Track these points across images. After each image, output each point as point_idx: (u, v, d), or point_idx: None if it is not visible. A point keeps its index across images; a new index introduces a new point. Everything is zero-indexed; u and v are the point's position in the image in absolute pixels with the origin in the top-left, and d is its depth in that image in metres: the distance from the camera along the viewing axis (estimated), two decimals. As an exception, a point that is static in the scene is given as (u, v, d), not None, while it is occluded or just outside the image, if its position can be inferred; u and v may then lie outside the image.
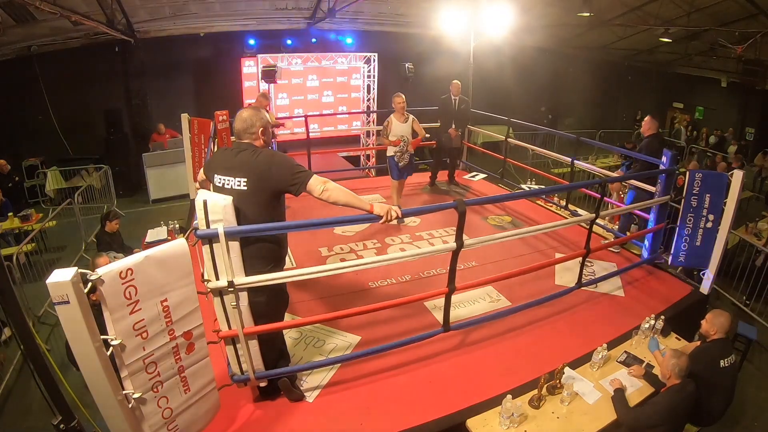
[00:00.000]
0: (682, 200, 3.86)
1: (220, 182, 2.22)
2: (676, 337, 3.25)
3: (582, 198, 7.66)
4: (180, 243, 2.00)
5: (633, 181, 4.49)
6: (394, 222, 2.42)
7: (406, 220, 5.21)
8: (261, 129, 2.27)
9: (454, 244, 2.72)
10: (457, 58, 9.44)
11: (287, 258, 2.59)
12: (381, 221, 2.37)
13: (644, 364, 2.94)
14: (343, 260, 4.21)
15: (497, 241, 3.09)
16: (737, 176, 3.53)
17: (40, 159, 8.77)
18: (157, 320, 1.93)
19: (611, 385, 2.70)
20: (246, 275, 2.21)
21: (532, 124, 6.74)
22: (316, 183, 2.21)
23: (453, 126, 5.99)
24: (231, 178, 2.18)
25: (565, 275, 4.03)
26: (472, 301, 3.63)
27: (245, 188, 2.16)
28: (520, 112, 8.22)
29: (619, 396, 2.60)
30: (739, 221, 6.30)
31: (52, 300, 1.63)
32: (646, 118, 4.84)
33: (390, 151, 5.24)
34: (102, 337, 1.75)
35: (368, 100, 10.98)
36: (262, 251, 2.26)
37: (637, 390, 2.76)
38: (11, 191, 7.16)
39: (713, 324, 2.82)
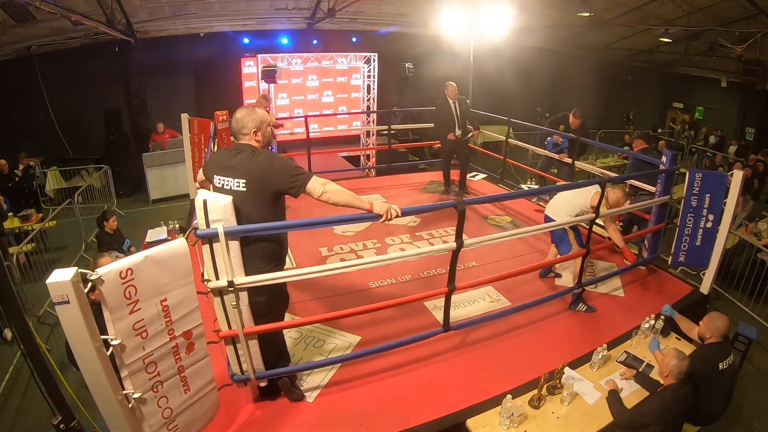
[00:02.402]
0: (682, 200, 3.86)
1: (219, 183, 2.22)
2: (676, 337, 3.25)
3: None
4: (180, 243, 2.00)
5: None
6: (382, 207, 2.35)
7: (406, 219, 5.21)
8: (254, 129, 2.25)
9: (454, 243, 2.72)
10: (457, 59, 9.43)
11: (287, 258, 2.59)
12: (381, 220, 2.36)
13: (644, 365, 2.94)
14: (343, 260, 4.20)
15: (497, 241, 3.09)
16: (737, 176, 3.53)
17: (40, 159, 8.77)
18: (157, 320, 1.94)
19: (606, 386, 2.70)
20: (246, 275, 2.21)
21: (532, 125, 6.75)
22: (315, 185, 2.20)
23: (457, 130, 5.79)
24: (230, 179, 2.18)
25: (565, 275, 4.03)
26: (472, 301, 3.63)
27: (244, 189, 2.16)
28: (520, 113, 8.24)
29: (613, 397, 2.60)
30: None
31: (52, 300, 1.63)
32: (576, 113, 5.53)
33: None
34: (102, 337, 1.75)
35: (368, 100, 10.97)
36: (263, 251, 2.26)
37: (635, 391, 2.76)
38: (11, 191, 7.17)
39: (708, 328, 2.81)
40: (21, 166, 7.73)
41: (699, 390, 2.67)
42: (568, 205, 3.58)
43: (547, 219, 3.71)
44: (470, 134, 6.04)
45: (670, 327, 3.28)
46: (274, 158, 2.23)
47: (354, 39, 10.74)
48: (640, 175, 4.39)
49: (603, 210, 3.41)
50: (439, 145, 6.47)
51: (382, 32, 10.44)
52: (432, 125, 6.30)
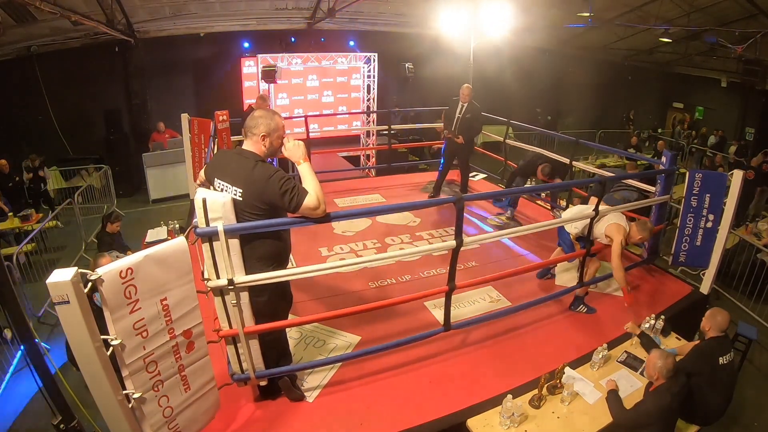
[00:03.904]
0: (683, 200, 3.86)
1: (219, 186, 2.22)
2: (676, 337, 3.25)
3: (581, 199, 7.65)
4: (179, 241, 2.01)
5: None
6: (299, 150, 2.23)
7: (406, 219, 5.21)
8: (264, 133, 2.22)
9: (454, 242, 2.72)
10: (457, 59, 9.45)
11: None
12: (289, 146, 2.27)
13: (644, 365, 2.94)
14: (343, 260, 4.20)
15: (497, 240, 3.09)
16: (737, 176, 3.53)
17: (40, 159, 8.77)
18: (157, 319, 1.94)
19: (606, 386, 2.70)
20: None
21: (531, 126, 6.74)
22: (311, 204, 2.13)
23: (454, 131, 5.64)
24: (229, 185, 2.18)
25: (565, 275, 4.03)
26: (472, 300, 3.63)
27: (240, 198, 2.16)
28: (520, 113, 8.26)
29: (613, 397, 2.60)
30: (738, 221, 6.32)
31: (52, 300, 1.63)
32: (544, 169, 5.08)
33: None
34: (102, 337, 1.75)
35: (368, 100, 10.97)
36: (264, 252, 2.26)
37: (635, 391, 2.76)
38: (11, 191, 7.16)
39: (709, 321, 2.85)
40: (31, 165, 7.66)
41: (698, 387, 2.68)
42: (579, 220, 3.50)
43: (561, 230, 3.65)
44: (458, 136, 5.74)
45: (670, 327, 3.28)
46: (272, 174, 2.15)
47: (352, 43, 10.74)
48: (641, 175, 4.39)
49: (616, 239, 3.29)
50: (440, 145, 6.42)
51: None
52: (436, 125, 6.21)
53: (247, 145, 2.27)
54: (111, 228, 5.19)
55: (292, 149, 2.26)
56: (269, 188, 2.13)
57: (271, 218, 2.21)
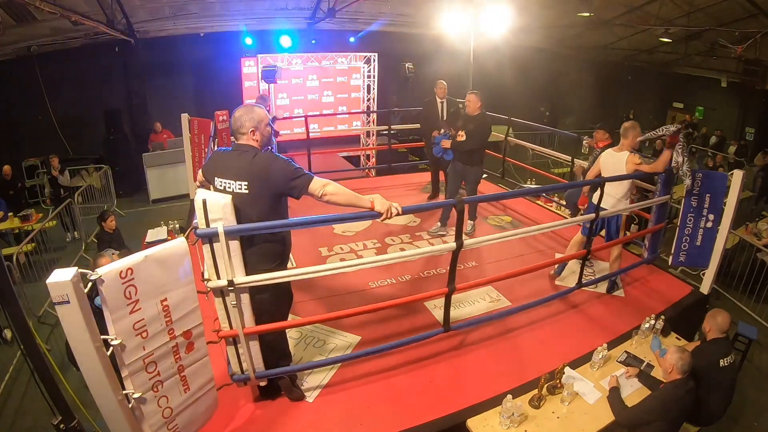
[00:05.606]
0: (683, 200, 3.86)
1: (221, 185, 2.22)
2: (677, 337, 3.25)
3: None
4: (180, 242, 2.01)
5: None
6: (383, 202, 2.32)
7: (406, 219, 5.21)
8: (252, 128, 2.24)
9: (454, 244, 2.71)
10: (457, 58, 9.43)
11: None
12: (381, 219, 2.33)
13: (644, 364, 2.95)
14: (343, 260, 4.20)
15: (497, 241, 3.09)
16: (737, 176, 3.53)
17: (40, 159, 8.77)
18: (157, 319, 1.94)
19: (607, 385, 2.70)
20: (249, 274, 2.21)
21: (533, 123, 6.73)
22: (316, 186, 2.19)
23: (441, 131, 5.35)
24: (232, 182, 2.18)
25: (565, 275, 4.03)
26: (472, 301, 3.63)
27: (246, 191, 2.16)
28: (520, 112, 8.23)
29: (614, 395, 2.60)
30: (739, 221, 6.32)
31: (52, 300, 1.62)
32: (471, 97, 4.63)
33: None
34: (102, 337, 1.75)
35: (368, 100, 10.97)
36: (266, 250, 2.26)
37: (637, 390, 2.76)
38: (12, 198, 7.14)
39: (709, 323, 2.86)
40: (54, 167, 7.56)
41: (699, 388, 2.68)
42: (619, 187, 3.61)
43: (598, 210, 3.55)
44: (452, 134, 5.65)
45: (670, 327, 3.29)
46: (275, 160, 2.21)
47: (352, 39, 10.74)
48: (641, 176, 4.37)
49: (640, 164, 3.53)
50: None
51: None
52: (416, 126, 6.09)
53: (242, 143, 2.28)
54: (108, 225, 5.21)
55: (381, 199, 2.32)
56: (273, 171, 2.16)
57: (276, 210, 2.23)
